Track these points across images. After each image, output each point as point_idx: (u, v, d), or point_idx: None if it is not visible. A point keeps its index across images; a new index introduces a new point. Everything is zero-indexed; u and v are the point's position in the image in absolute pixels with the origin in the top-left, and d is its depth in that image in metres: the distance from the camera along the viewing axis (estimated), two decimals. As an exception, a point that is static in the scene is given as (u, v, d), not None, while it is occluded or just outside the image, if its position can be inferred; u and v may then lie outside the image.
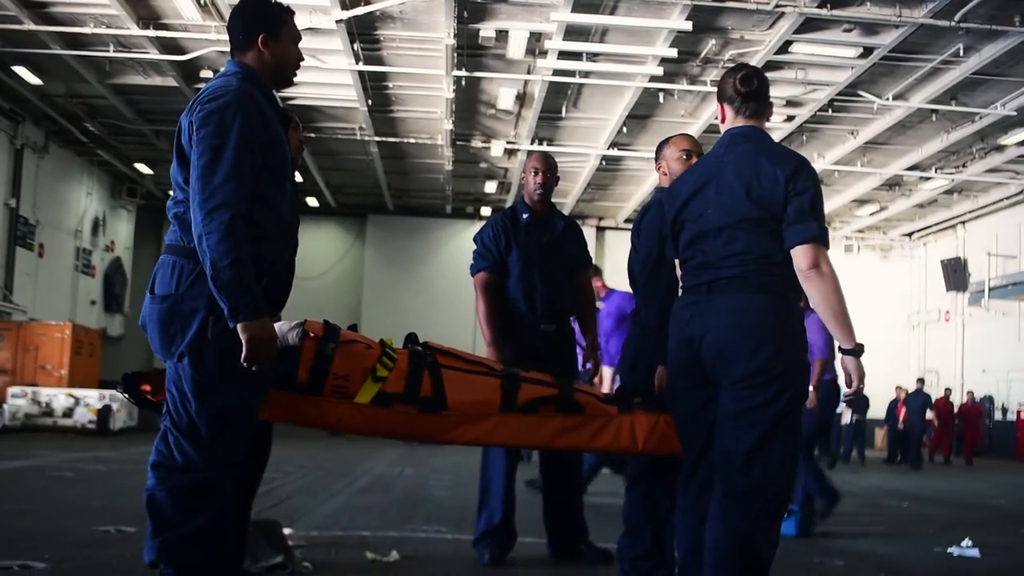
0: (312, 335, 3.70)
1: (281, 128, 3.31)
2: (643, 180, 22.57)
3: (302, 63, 3.44)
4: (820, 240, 3.17)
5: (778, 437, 3.21)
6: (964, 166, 20.45)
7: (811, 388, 6.72)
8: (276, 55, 3.32)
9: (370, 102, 17.18)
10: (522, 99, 17.37)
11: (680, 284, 3.52)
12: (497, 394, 3.90)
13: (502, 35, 14.36)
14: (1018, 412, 22.46)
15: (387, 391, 3.74)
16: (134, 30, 14.37)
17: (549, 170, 5.08)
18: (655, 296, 3.95)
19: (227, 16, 13.58)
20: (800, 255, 3.17)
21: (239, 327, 2.99)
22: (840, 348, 3.23)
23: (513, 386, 3.94)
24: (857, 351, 3.21)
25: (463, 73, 15.51)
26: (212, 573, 3.14)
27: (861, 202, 24.05)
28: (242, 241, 2.99)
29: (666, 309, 3.59)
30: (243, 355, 3.01)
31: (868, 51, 14.35)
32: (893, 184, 22.27)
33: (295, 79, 3.45)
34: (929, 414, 20.30)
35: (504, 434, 3.91)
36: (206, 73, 16.44)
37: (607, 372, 7.58)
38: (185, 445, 3.08)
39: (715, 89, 17.73)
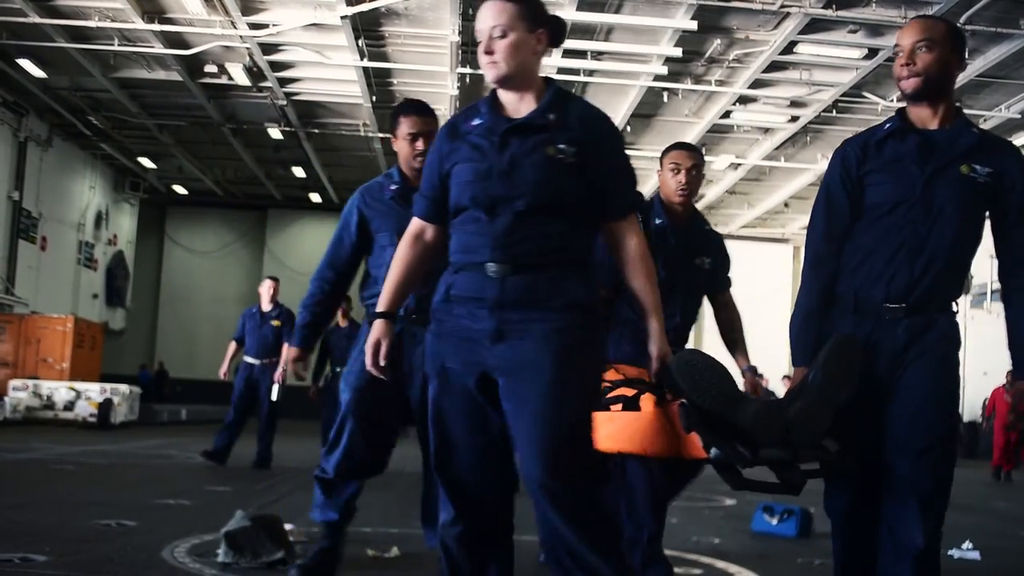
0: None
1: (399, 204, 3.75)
2: (647, 179, 22.53)
3: (419, 158, 3.68)
4: None
5: None
6: (968, 168, 20.42)
7: None
8: (399, 151, 3.88)
9: (374, 98, 17.19)
10: (526, 97, 17.35)
11: None
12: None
13: (507, 33, 14.34)
14: (1019, 415, 22.33)
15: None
16: (139, 24, 14.40)
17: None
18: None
19: (231, 11, 13.72)
20: None
21: None
22: None
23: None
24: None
25: (468, 70, 15.51)
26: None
27: (864, 203, 24.00)
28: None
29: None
30: None
31: (873, 52, 14.35)
32: (897, 186, 22.23)
33: (416, 165, 3.71)
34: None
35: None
36: (210, 68, 16.46)
37: None
38: None
39: (720, 89, 17.66)
